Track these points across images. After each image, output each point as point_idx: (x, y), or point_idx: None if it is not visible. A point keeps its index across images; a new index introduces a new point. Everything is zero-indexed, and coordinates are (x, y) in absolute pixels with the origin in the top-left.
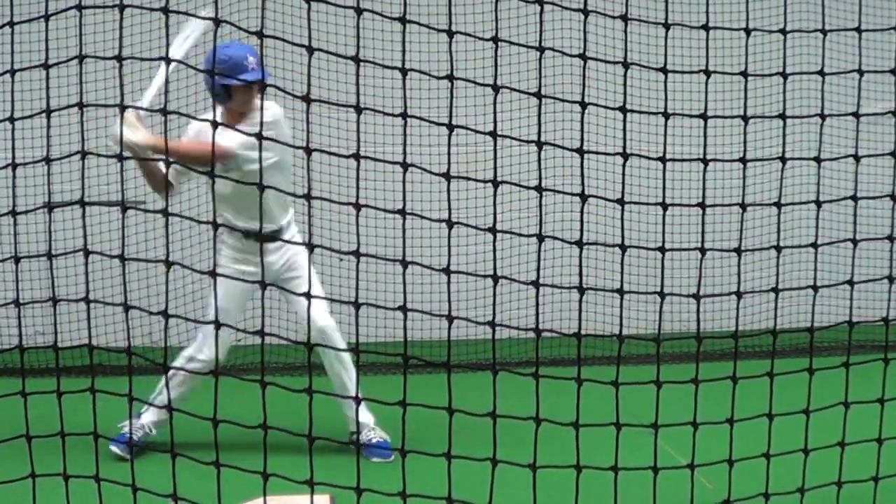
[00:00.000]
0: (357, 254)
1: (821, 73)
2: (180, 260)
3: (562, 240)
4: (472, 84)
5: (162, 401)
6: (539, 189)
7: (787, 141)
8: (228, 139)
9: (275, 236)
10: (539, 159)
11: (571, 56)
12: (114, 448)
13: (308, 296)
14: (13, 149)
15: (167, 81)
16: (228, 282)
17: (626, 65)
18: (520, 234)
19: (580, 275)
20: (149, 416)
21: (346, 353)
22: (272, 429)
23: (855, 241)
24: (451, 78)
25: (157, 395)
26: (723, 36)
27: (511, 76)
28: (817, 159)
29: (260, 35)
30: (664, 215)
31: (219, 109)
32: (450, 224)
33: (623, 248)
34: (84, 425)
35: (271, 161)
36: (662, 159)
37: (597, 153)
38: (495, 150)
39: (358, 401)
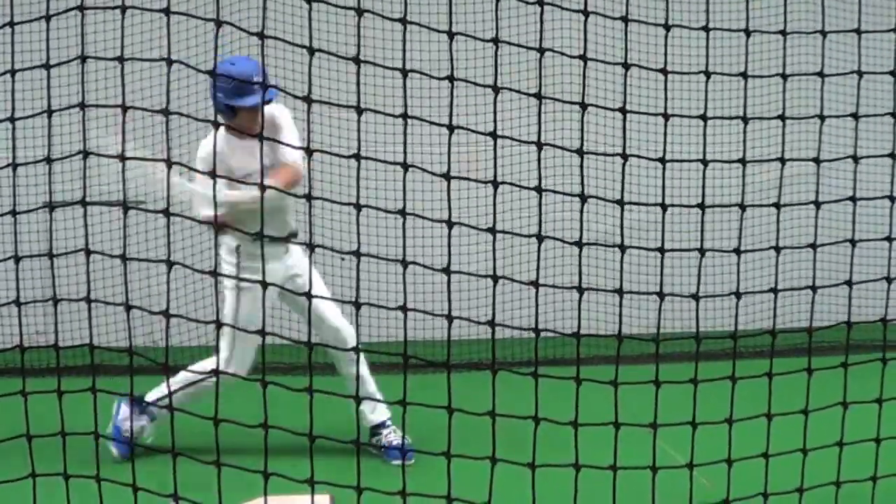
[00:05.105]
0: (357, 254)
1: (820, 74)
2: (181, 260)
3: (561, 240)
4: (473, 84)
5: (165, 403)
6: (539, 189)
7: (787, 142)
8: (296, 159)
9: (294, 236)
10: (539, 160)
11: (571, 57)
12: (113, 448)
13: (308, 295)
14: (13, 148)
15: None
16: (256, 293)
17: (626, 66)
18: (519, 235)
19: (580, 275)
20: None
21: (353, 353)
22: (273, 428)
23: (853, 242)
24: (451, 79)
25: (160, 397)
26: (723, 37)
27: (511, 77)
28: (816, 160)
29: (261, 36)
30: (664, 216)
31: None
32: (450, 224)
33: (622, 248)
34: (85, 425)
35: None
36: (662, 160)
37: (596, 154)
38: (495, 151)
39: (358, 400)
